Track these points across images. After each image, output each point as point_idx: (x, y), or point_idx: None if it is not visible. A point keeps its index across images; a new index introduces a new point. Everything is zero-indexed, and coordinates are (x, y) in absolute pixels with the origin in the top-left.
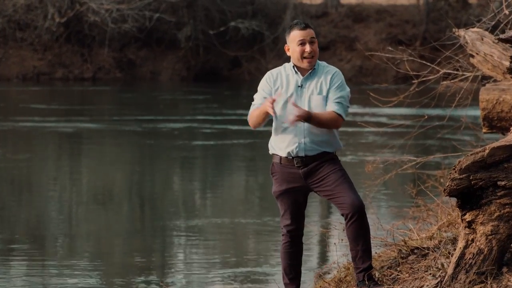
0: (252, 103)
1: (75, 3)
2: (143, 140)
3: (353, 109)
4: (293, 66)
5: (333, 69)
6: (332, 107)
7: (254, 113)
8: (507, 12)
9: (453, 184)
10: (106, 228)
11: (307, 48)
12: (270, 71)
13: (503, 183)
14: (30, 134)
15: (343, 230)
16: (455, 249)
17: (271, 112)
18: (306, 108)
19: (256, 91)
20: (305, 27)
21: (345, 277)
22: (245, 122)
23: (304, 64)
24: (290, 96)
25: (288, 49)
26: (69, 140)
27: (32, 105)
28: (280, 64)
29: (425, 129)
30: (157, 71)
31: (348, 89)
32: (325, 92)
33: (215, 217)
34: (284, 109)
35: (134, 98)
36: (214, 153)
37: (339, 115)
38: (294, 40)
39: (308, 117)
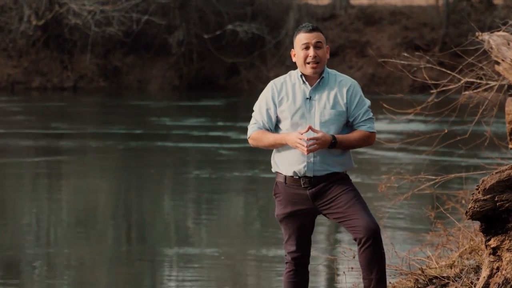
0: (252, 120)
1: (54, 4)
2: (130, 157)
3: None
4: (301, 75)
5: (347, 79)
6: (362, 127)
7: (265, 139)
8: None
9: (476, 206)
10: (89, 254)
11: (311, 52)
12: (273, 81)
13: None
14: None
15: (353, 257)
16: (478, 279)
17: (304, 151)
18: (317, 124)
19: (256, 100)
20: (312, 29)
21: None
22: (244, 139)
23: (308, 70)
24: (299, 109)
25: (294, 55)
26: (46, 158)
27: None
28: (283, 72)
29: (444, 144)
30: (146, 79)
31: (368, 100)
32: (341, 107)
33: (210, 244)
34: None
35: (118, 110)
36: (209, 172)
37: (372, 132)
38: (298, 44)
39: (332, 144)
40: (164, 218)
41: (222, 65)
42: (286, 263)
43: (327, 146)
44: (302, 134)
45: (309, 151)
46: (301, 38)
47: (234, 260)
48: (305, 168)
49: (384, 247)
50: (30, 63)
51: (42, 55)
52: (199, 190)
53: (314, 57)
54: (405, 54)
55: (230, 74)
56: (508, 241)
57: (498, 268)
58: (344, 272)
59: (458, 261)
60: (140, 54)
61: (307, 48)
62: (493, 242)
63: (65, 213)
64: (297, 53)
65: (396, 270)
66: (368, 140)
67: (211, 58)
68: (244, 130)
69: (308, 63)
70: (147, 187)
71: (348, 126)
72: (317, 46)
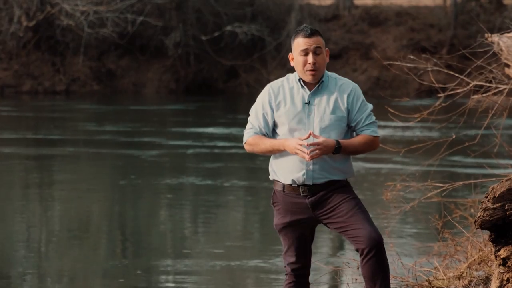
0: (248, 125)
1: (46, 4)
2: (124, 166)
3: None
4: (299, 79)
5: (347, 83)
6: (366, 131)
7: (262, 145)
8: None
9: (485, 215)
10: (82, 267)
11: (310, 59)
12: (270, 84)
13: None
14: None
15: (358, 268)
16: None
17: (305, 158)
18: (317, 129)
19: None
20: (311, 34)
21: None
22: (241, 145)
23: (307, 77)
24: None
25: (292, 59)
26: (37, 165)
27: None
28: (284, 75)
29: (452, 150)
30: (141, 83)
31: (370, 104)
32: (341, 112)
33: (208, 256)
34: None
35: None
36: (207, 180)
37: (376, 136)
38: (297, 49)
39: (336, 149)
40: (159, 229)
41: (221, 68)
42: (286, 274)
43: (330, 151)
44: (302, 140)
45: (311, 158)
46: (300, 43)
47: (232, 271)
48: (304, 176)
49: (390, 257)
50: (20, 66)
51: (33, 58)
52: (196, 199)
53: (313, 64)
54: (411, 57)
55: (229, 77)
56: None
57: (508, 280)
58: (348, 284)
59: (466, 272)
60: (135, 56)
61: (306, 54)
62: (503, 253)
63: (55, 223)
64: (296, 58)
65: (402, 281)
66: (372, 144)
67: (209, 61)
68: (236, 135)
69: (307, 70)
70: (142, 198)
71: (350, 131)
72: (316, 52)
